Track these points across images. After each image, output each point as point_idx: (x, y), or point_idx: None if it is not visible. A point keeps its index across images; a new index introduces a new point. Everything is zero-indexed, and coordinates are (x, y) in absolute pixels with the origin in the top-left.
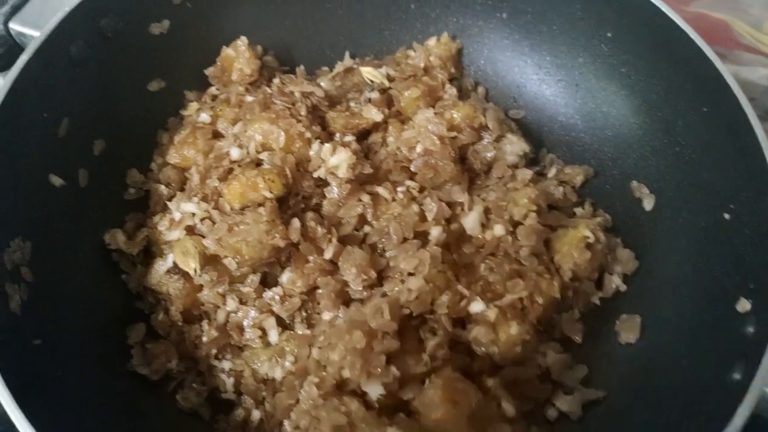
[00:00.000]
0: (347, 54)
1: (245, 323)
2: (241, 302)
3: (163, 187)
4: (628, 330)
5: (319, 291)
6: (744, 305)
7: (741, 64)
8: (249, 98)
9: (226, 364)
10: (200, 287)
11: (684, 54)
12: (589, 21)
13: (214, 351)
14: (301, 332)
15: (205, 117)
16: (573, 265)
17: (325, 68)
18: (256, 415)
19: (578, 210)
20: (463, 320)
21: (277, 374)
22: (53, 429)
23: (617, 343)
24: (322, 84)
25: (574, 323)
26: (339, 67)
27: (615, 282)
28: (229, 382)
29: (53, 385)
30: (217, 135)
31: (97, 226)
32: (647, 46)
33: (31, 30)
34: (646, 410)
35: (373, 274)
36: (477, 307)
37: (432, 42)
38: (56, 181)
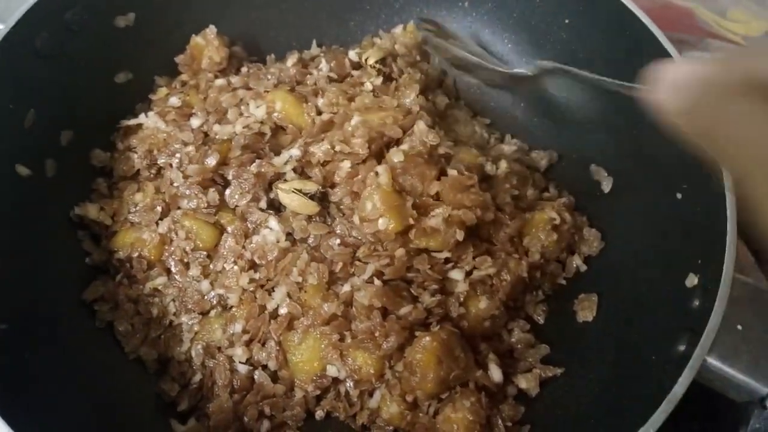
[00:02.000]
0: (314, 43)
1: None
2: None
3: (135, 156)
4: (586, 309)
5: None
6: (692, 280)
7: (706, 51)
8: (219, 81)
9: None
10: (170, 240)
11: (638, 39)
12: (548, 8)
13: (173, 309)
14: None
15: (174, 101)
16: (541, 248)
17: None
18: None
19: (544, 194)
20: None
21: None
22: (22, 413)
23: (575, 322)
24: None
25: (537, 304)
26: (305, 56)
27: (576, 262)
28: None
29: (21, 369)
30: (184, 117)
31: (64, 214)
32: (604, 32)
33: None
34: (600, 384)
35: None
36: (457, 274)
37: (398, 30)
38: (23, 171)
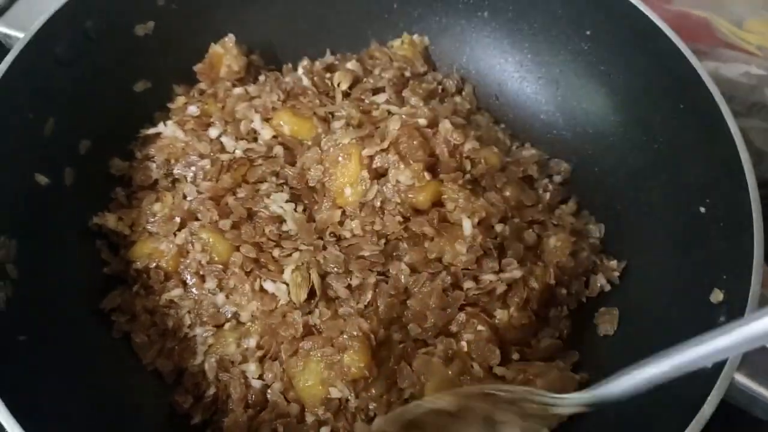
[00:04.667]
0: (328, 51)
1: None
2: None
3: (154, 165)
4: (607, 322)
5: None
6: (717, 296)
7: (722, 62)
8: (237, 90)
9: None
10: (186, 252)
11: (661, 51)
12: (569, 19)
13: (188, 321)
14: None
15: (193, 110)
16: (558, 262)
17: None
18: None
19: (563, 207)
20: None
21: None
22: (38, 422)
23: (596, 335)
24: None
25: (561, 320)
26: (319, 65)
27: (600, 281)
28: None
29: (39, 380)
30: (203, 126)
31: (82, 223)
32: (625, 44)
33: (16, 32)
34: (624, 402)
35: None
36: (489, 276)
37: (396, 43)
38: (42, 180)
